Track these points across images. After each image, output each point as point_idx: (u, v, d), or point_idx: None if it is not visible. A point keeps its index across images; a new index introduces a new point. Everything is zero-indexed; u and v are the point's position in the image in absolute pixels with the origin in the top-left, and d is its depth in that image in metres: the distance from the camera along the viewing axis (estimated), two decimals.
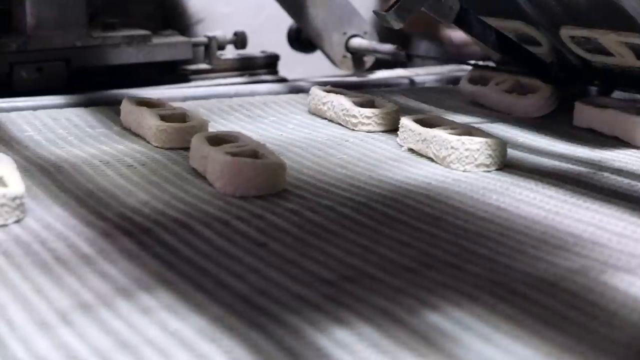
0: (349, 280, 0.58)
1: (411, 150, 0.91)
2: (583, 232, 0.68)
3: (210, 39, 1.37)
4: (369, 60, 1.40)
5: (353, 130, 0.99)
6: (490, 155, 0.84)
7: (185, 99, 1.14)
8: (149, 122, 0.93)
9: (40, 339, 0.50)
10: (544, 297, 0.56)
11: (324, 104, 1.06)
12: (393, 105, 1.02)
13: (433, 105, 1.13)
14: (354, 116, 1.00)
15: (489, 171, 0.84)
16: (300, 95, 1.15)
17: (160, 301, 0.55)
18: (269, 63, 1.41)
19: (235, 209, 0.72)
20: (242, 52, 1.41)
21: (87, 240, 0.65)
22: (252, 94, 1.18)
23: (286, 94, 1.17)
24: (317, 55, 1.45)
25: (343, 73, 1.40)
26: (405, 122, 0.93)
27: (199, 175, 0.81)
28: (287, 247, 0.64)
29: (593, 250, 0.64)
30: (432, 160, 0.87)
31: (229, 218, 0.70)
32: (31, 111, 1.06)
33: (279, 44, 1.47)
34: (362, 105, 1.03)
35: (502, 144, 0.85)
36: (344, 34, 1.38)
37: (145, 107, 0.97)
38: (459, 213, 0.72)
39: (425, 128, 0.90)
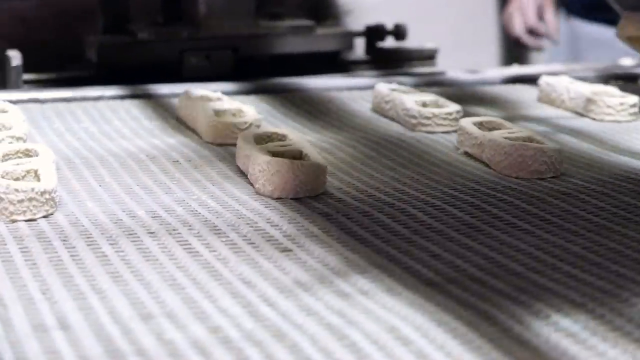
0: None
1: (467, 154, 0.87)
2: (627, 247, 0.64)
3: (370, 30, 1.35)
4: None
5: (412, 130, 0.97)
6: (545, 162, 0.81)
7: (348, 89, 1.14)
8: (201, 116, 0.92)
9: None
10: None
11: (386, 102, 1.03)
12: (456, 106, 0.99)
13: None
14: (414, 116, 0.97)
15: (542, 179, 0.80)
16: (367, 92, 1.12)
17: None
18: (428, 56, 1.38)
19: (269, 210, 0.70)
20: (401, 43, 1.39)
21: (109, 240, 0.64)
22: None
23: (354, 90, 1.15)
24: (475, 50, 1.42)
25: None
26: (463, 124, 0.90)
27: (243, 174, 0.79)
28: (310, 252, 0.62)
29: None
30: (486, 165, 0.84)
31: (259, 220, 0.68)
32: (92, 102, 1.06)
33: (437, 37, 1.44)
34: (425, 105, 1.00)
35: (558, 151, 0.81)
36: None
37: (199, 101, 0.96)
38: (498, 223, 0.69)
39: (481, 131, 0.87)
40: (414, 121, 0.97)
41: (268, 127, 0.90)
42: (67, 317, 0.52)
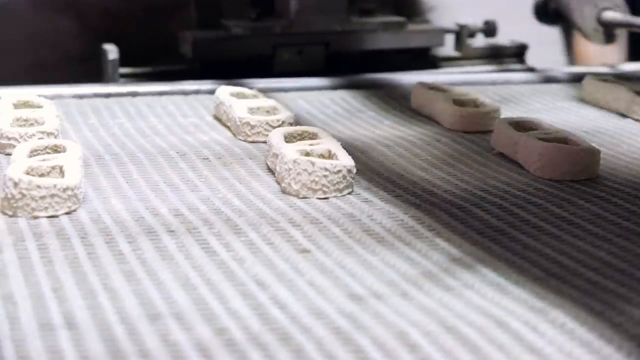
0: None
1: (502, 154, 0.86)
2: None
3: (461, 27, 1.35)
4: (620, 33, 1.34)
5: (449, 129, 0.95)
6: (579, 164, 0.79)
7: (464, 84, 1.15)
8: (235, 114, 0.91)
9: None
10: None
11: (423, 100, 1.02)
12: (494, 105, 0.97)
13: None
14: (450, 115, 0.96)
15: (576, 181, 0.78)
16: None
17: None
18: (517, 52, 1.37)
19: (293, 210, 0.70)
20: (491, 40, 1.38)
21: (128, 238, 0.64)
22: (506, 82, 1.18)
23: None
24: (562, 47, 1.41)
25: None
26: (499, 123, 0.88)
27: (271, 173, 0.79)
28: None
29: None
30: (521, 166, 0.82)
31: (281, 220, 0.67)
32: (143, 97, 1.06)
33: (527, 33, 1.43)
34: (463, 104, 0.99)
35: (593, 152, 0.80)
36: (596, 6, 1.33)
37: (234, 98, 0.95)
38: (524, 226, 0.67)
39: (516, 132, 0.85)
40: (450, 120, 0.96)
41: (303, 125, 0.89)
42: (75, 316, 0.52)
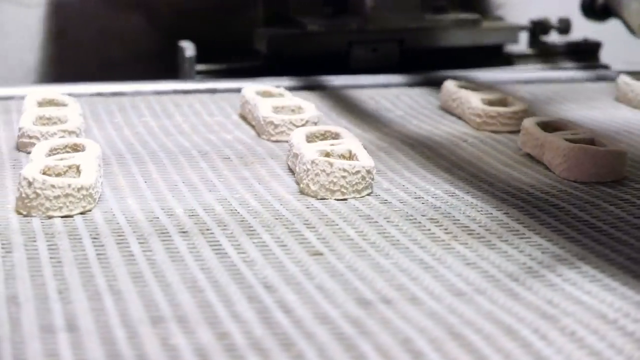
0: None
1: (529, 155, 0.84)
2: None
3: (535, 23, 1.35)
4: None
5: (477, 130, 0.94)
6: (604, 166, 0.77)
7: (514, 82, 1.15)
8: (259, 113, 0.91)
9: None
10: None
11: (453, 100, 1.00)
12: (523, 105, 0.96)
13: None
14: (479, 115, 0.94)
15: (602, 183, 0.77)
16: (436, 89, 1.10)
17: None
18: (591, 50, 1.36)
19: (309, 212, 0.69)
20: (565, 37, 1.37)
21: (139, 238, 0.63)
22: (571, 81, 1.18)
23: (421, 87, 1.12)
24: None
25: None
26: (526, 124, 0.87)
27: (292, 173, 0.78)
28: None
29: None
30: (547, 168, 0.81)
31: (296, 221, 0.66)
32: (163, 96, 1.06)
33: (602, 31, 1.42)
34: (492, 103, 0.97)
35: (619, 154, 0.78)
36: None
37: (259, 97, 0.95)
38: (544, 229, 0.66)
39: (543, 132, 0.83)
40: (478, 120, 0.94)
41: (327, 124, 0.88)
42: (77, 318, 0.51)
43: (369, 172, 0.73)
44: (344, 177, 0.72)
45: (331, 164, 0.72)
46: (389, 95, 1.08)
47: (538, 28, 1.34)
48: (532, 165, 0.82)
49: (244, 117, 0.97)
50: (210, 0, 1.35)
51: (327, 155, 0.76)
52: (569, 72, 1.23)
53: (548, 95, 1.10)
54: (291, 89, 1.05)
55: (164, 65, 1.31)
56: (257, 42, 1.24)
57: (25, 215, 0.67)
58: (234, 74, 1.19)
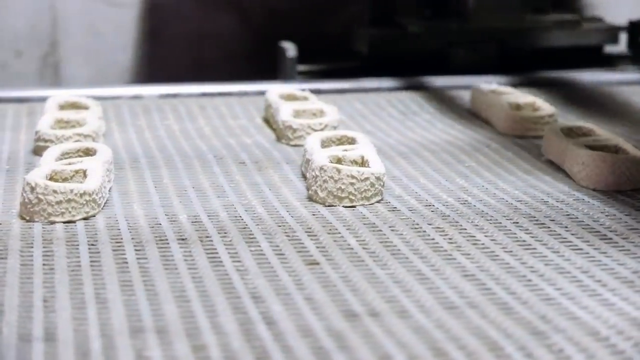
0: None
1: (551, 162, 0.82)
2: None
3: (633, 24, 1.33)
4: None
5: (503, 134, 0.92)
6: (624, 174, 0.75)
7: (613, 84, 1.14)
8: (279, 117, 0.90)
9: None
10: None
11: (482, 103, 0.99)
12: (550, 109, 0.93)
13: None
14: (504, 119, 0.92)
15: (621, 191, 0.74)
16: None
17: None
18: None
19: (314, 219, 0.68)
20: None
21: (137, 245, 0.62)
22: None
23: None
24: None
25: None
26: (549, 129, 0.85)
27: (304, 179, 0.77)
28: None
29: None
30: (568, 175, 0.79)
31: (298, 229, 0.65)
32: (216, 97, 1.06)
33: None
34: (520, 107, 0.95)
35: (639, 162, 0.76)
36: None
37: (282, 100, 0.94)
38: (552, 240, 0.64)
39: (565, 138, 0.81)
40: (504, 124, 0.92)
41: (347, 129, 0.87)
42: (57, 328, 0.51)
43: (378, 178, 0.72)
44: (352, 183, 0.71)
45: (339, 171, 0.71)
46: (417, 98, 1.07)
47: (637, 29, 1.31)
48: (552, 172, 0.80)
49: (267, 121, 0.96)
50: (304, 0, 1.35)
51: (339, 161, 0.75)
52: None
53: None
54: (391, 89, 1.06)
55: (257, 66, 1.32)
56: (357, 42, 1.25)
57: (28, 221, 0.67)
58: (334, 74, 1.20)
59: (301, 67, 1.21)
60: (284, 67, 1.20)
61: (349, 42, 1.27)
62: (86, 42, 1.37)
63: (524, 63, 1.25)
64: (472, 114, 1.00)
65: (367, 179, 0.71)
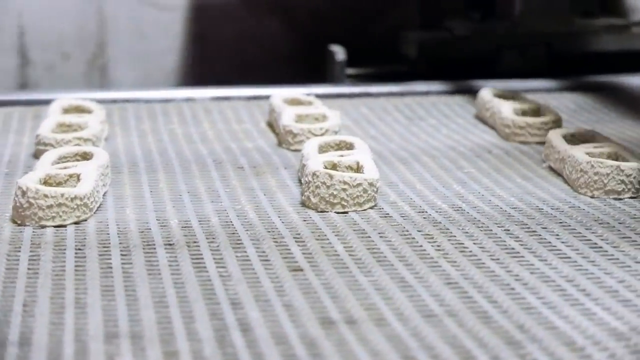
0: None
1: (551, 168, 0.82)
2: None
3: None
4: None
5: (506, 140, 0.91)
6: (622, 181, 0.74)
7: None
8: (280, 121, 0.90)
9: None
10: None
11: (487, 109, 0.98)
12: (554, 116, 0.93)
13: None
14: (507, 125, 0.92)
15: (620, 199, 0.74)
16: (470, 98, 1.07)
17: None
18: None
19: (305, 224, 0.68)
20: None
21: (123, 250, 0.63)
22: None
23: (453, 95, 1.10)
24: None
25: None
26: (550, 135, 0.84)
27: (300, 184, 0.77)
28: None
29: None
30: (566, 182, 0.78)
31: (287, 235, 0.65)
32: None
33: None
34: (525, 113, 0.95)
35: (637, 170, 0.75)
36: None
37: (285, 105, 0.94)
38: (541, 249, 0.63)
39: (565, 144, 0.81)
40: (507, 130, 0.92)
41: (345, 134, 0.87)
42: (33, 332, 0.51)
43: (371, 184, 0.71)
44: (344, 189, 0.71)
45: (331, 176, 0.71)
46: (425, 102, 1.07)
47: None
48: (552, 179, 0.79)
49: (270, 125, 0.96)
50: (350, 3, 1.36)
51: (334, 166, 0.74)
52: None
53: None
54: (440, 93, 1.07)
55: (303, 69, 1.32)
56: (405, 46, 1.25)
57: (19, 224, 0.67)
58: (383, 78, 1.20)
59: (350, 71, 1.21)
60: (333, 71, 1.20)
61: (396, 46, 1.27)
62: (133, 45, 1.38)
63: (572, 67, 1.24)
64: (478, 119, 1.00)
65: (359, 184, 0.71)
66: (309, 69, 1.31)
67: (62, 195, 0.67)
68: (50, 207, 0.67)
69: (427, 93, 1.09)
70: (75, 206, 0.67)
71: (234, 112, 1.02)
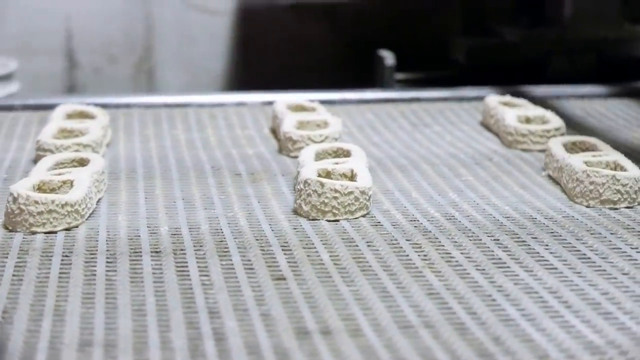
0: None
1: (550, 177, 0.81)
2: None
3: None
4: None
5: (509, 148, 0.91)
6: (618, 191, 0.74)
7: None
8: (282, 128, 0.90)
9: None
10: None
11: (491, 116, 0.98)
12: (558, 123, 0.92)
13: None
14: (510, 133, 0.91)
15: (615, 209, 0.73)
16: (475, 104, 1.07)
17: None
18: None
19: (294, 232, 0.67)
20: None
21: (109, 257, 0.63)
22: None
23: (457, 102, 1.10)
24: None
25: None
26: (550, 144, 0.83)
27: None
28: None
29: None
30: (564, 191, 0.77)
31: (274, 243, 0.65)
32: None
33: None
34: (530, 120, 0.94)
35: (635, 180, 0.74)
36: None
37: (288, 111, 0.94)
38: (528, 259, 0.63)
39: (564, 153, 0.80)
40: (510, 138, 0.91)
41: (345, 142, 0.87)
42: (9, 340, 0.51)
43: (363, 192, 0.71)
44: (335, 197, 0.70)
45: (322, 184, 0.71)
46: (432, 109, 1.06)
47: None
48: (550, 188, 0.79)
49: (274, 132, 0.96)
50: (395, 8, 1.36)
51: (328, 174, 0.74)
52: None
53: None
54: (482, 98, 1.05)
55: (350, 73, 1.33)
56: (454, 51, 1.25)
57: (10, 230, 0.68)
58: (431, 83, 1.21)
59: (400, 76, 1.22)
60: (382, 76, 1.21)
61: (442, 50, 1.28)
62: (180, 49, 1.39)
63: (621, 73, 1.24)
64: (484, 127, 0.99)
65: (350, 193, 0.71)
66: (354, 74, 1.31)
67: (53, 201, 0.67)
68: (40, 213, 0.67)
69: (477, 98, 1.08)
70: (66, 213, 0.68)
71: (239, 117, 1.02)
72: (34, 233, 0.67)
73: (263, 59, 1.39)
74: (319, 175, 0.73)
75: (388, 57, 1.20)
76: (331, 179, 0.74)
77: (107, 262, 0.62)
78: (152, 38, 1.39)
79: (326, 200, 0.70)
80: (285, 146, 0.88)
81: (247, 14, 1.37)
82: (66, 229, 0.68)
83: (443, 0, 1.39)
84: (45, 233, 0.67)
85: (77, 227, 0.69)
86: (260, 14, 1.37)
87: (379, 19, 1.37)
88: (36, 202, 0.67)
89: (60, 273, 0.60)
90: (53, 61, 1.41)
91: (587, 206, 0.74)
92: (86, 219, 0.70)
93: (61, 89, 1.42)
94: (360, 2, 1.39)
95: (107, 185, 0.77)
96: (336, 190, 0.70)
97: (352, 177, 0.74)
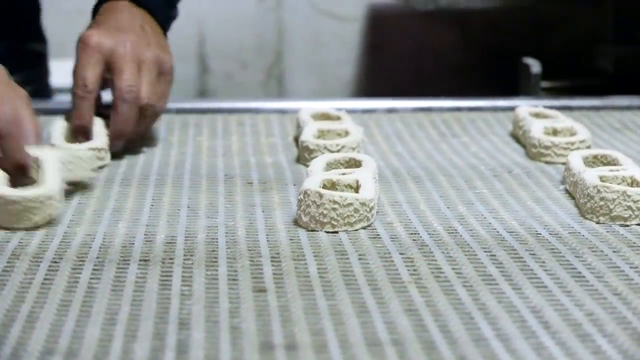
0: None
1: (567, 191, 0.79)
2: None
3: None
4: None
5: (533, 160, 0.89)
6: (629, 207, 0.71)
7: None
8: (301, 137, 0.89)
9: None
10: None
11: (520, 127, 0.96)
12: (584, 136, 0.90)
13: None
14: (534, 145, 0.89)
15: (626, 225, 0.71)
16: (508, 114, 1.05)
17: None
18: None
19: (290, 243, 0.67)
20: None
21: (97, 264, 0.63)
22: None
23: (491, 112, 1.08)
24: None
25: None
26: (569, 157, 0.81)
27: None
28: None
29: None
30: (577, 206, 0.76)
31: (265, 253, 0.65)
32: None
33: None
34: (557, 133, 0.92)
35: None
36: None
37: (311, 119, 0.93)
38: (520, 277, 0.61)
39: (581, 167, 0.78)
40: (534, 150, 0.89)
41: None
42: None
43: (363, 204, 0.70)
44: (334, 209, 0.70)
45: (321, 195, 0.70)
46: (464, 118, 1.05)
47: None
48: (565, 202, 0.77)
49: (296, 140, 0.95)
50: (526, 15, 1.35)
51: (333, 185, 0.74)
52: None
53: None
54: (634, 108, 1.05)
55: (479, 80, 1.32)
56: (600, 60, 1.23)
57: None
58: (577, 92, 1.19)
59: (545, 84, 1.21)
60: (529, 83, 1.19)
61: (586, 59, 1.25)
62: (310, 55, 1.40)
63: None
64: (513, 137, 0.98)
65: (350, 204, 0.70)
66: (487, 81, 1.30)
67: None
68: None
69: (628, 107, 1.06)
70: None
71: (266, 124, 1.02)
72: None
73: (393, 65, 1.38)
74: (324, 186, 0.73)
75: (534, 65, 1.17)
76: (336, 189, 0.73)
77: (94, 269, 0.62)
78: (282, 44, 1.39)
79: (325, 212, 0.70)
80: (303, 155, 0.87)
81: (377, 21, 1.37)
82: (65, 233, 0.68)
83: (591, 5, 1.35)
84: (44, 234, 0.68)
85: (75, 233, 0.69)
86: (391, 21, 1.36)
87: (509, 25, 1.35)
88: (14, 202, 0.68)
89: (44, 279, 0.60)
90: (186, 66, 1.42)
91: (597, 222, 0.72)
92: (90, 225, 0.70)
93: (194, 93, 1.44)
94: (493, 10, 1.36)
95: (119, 191, 0.78)
96: (335, 202, 0.70)
97: (357, 188, 0.73)
